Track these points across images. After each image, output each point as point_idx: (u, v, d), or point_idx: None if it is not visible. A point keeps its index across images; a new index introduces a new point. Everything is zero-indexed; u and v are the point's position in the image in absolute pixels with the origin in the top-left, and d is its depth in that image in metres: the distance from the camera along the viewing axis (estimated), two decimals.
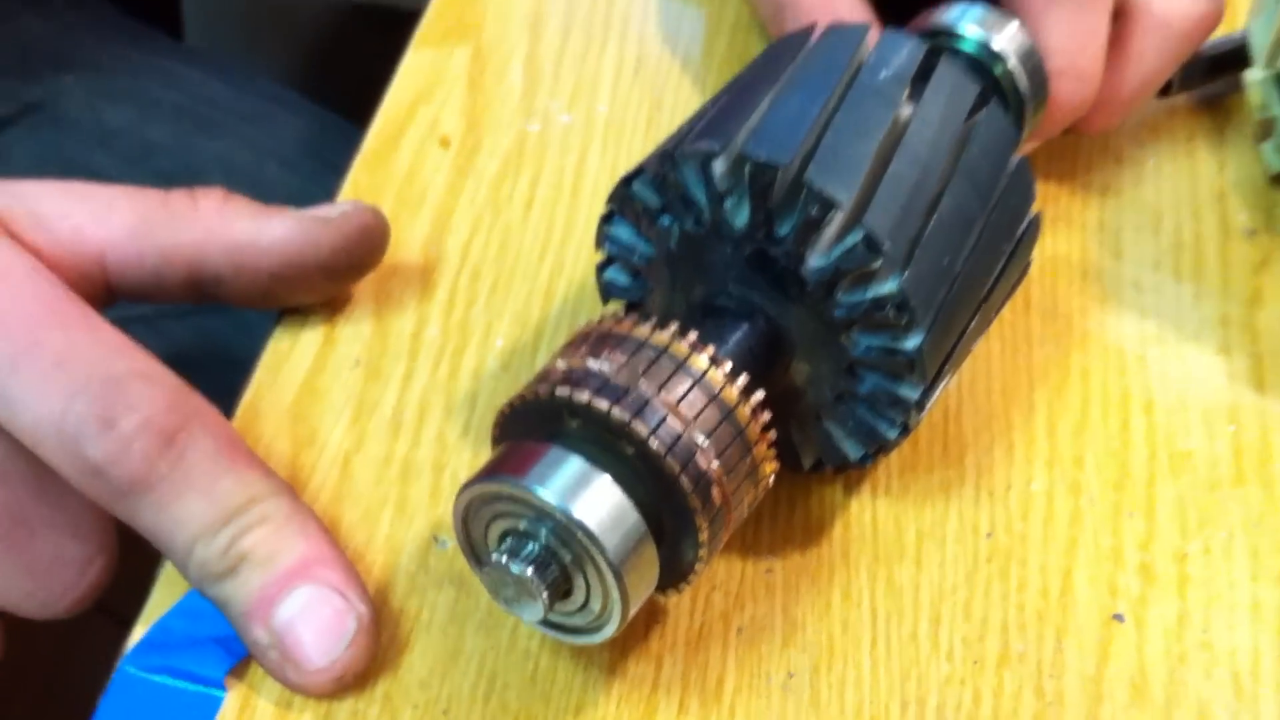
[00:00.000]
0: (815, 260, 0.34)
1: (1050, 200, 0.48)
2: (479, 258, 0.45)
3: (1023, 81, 0.43)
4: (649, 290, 0.38)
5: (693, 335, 0.33)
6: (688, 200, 0.35)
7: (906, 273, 0.34)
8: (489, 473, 0.32)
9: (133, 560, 0.37)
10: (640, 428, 0.31)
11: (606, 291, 0.39)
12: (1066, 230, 0.47)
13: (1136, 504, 0.40)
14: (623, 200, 0.37)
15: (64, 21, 0.80)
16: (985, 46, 0.42)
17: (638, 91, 0.51)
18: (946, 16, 0.43)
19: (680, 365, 0.32)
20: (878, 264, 0.34)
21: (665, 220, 0.36)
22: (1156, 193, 0.49)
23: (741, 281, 0.35)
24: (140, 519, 0.35)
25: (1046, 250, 0.46)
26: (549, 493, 0.31)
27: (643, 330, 0.33)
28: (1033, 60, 0.43)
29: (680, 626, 0.37)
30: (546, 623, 0.33)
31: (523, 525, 0.31)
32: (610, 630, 0.32)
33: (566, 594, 0.32)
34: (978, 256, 0.36)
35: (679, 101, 0.51)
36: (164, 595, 0.36)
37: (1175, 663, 0.37)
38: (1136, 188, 0.49)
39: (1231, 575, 0.39)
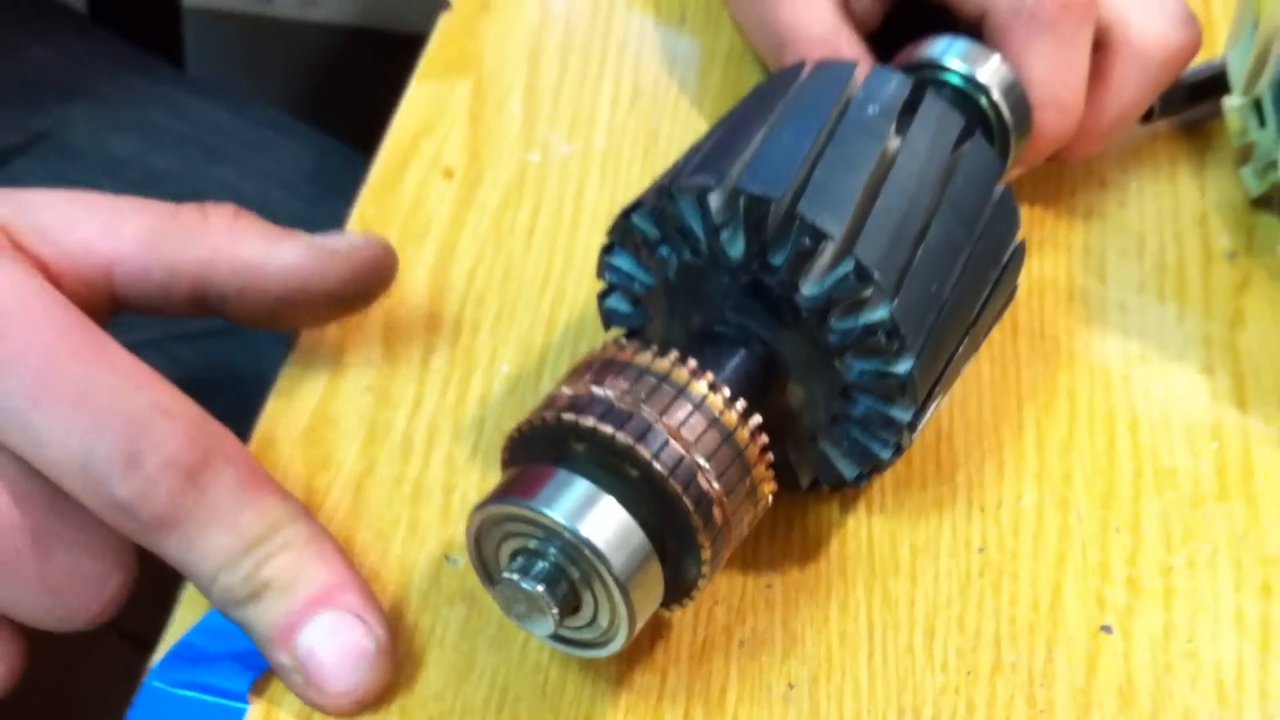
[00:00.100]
0: (809, 289, 0.36)
1: (1036, 224, 0.49)
2: (483, 286, 0.47)
3: (1006, 113, 0.44)
4: (649, 318, 0.40)
5: (692, 362, 0.35)
6: (685, 232, 0.37)
7: (896, 300, 0.35)
8: (500, 495, 0.33)
9: (141, 577, 0.38)
10: (644, 451, 0.33)
11: (608, 319, 0.41)
12: (1053, 253, 0.49)
13: (1123, 519, 0.41)
14: (623, 232, 0.38)
15: (70, 52, 0.81)
16: (970, 79, 0.44)
17: (634, 121, 0.53)
18: (932, 50, 0.45)
19: (681, 391, 0.34)
20: (868, 292, 0.35)
21: (664, 251, 0.38)
22: (1140, 216, 0.50)
23: (738, 309, 0.37)
24: (165, 551, 0.35)
25: (1033, 273, 0.48)
26: (558, 513, 0.32)
27: (644, 358, 0.35)
28: (1016, 92, 0.44)
29: (684, 640, 0.38)
30: (556, 637, 0.34)
31: (533, 544, 0.33)
32: (618, 644, 0.34)
33: (575, 609, 0.33)
34: (965, 283, 0.38)
35: (675, 131, 0.52)
36: (187, 612, 0.38)
37: (1161, 672, 0.38)
38: (1120, 211, 0.50)
39: (1215, 588, 0.40)
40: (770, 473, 0.35)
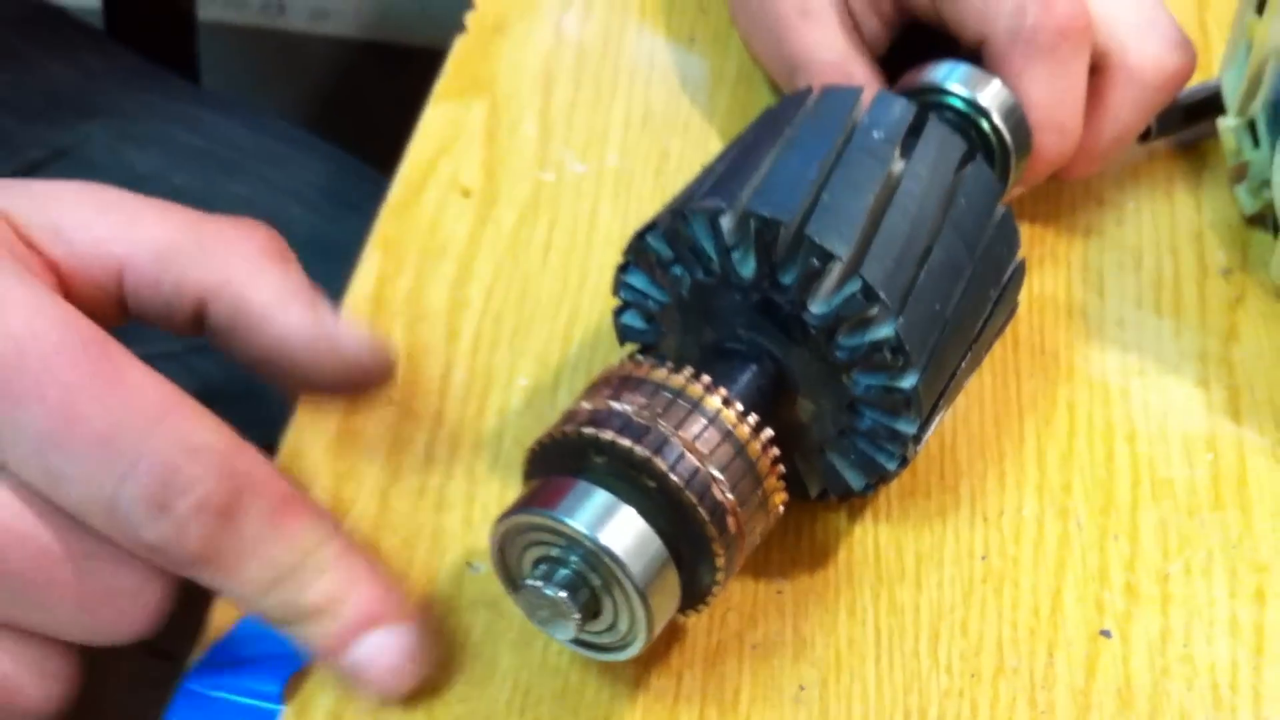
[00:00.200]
0: (817, 307, 0.37)
1: (1036, 241, 0.51)
2: (501, 303, 0.48)
3: (1007, 135, 0.46)
4: (663, 334, 0.41)
5: (706, 378, 0.36)
6: (698, 252, 0.38)
7: (901, 318, 0.37)
8: (524, 505, 0.34)
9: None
10: (661, 463, 0.34)
11: (623, 335, 0.42)
12: (1053, 270, 0.50)
13: (1121, 527, 0.43)
14: (638, 251, 0.40)
15: (89, 68, 0.82)
16: (971, 103, 0.45)
17: (646, 141, 0.54)
18: (935, 75, 0.46)
19: (695, 406, 0.35)
20: (874, 310, 0.37)
21: (678, 270, 0.39)
22: (1137, 233, 0.51)
23: (749, 326, 0.38)
24: (201, 581, 0.35)
25: (1033, 289, 0.49)
26: (579, 523, 0.34)
27: (660, 374, 0.36)
28: (1016, 115, 0.46)
29: (699, 644, 0.39)
30: (577, 641, 0.36)
31: (555, 552, 0.34)
32: (636, 648, 0.35)
33: (596, 614, 0.35)
34: (967, 301, 0.39)
35: (685, 150, 0.54)
36: (221, 616, 0.39)
37: (1159, 675, 0.40)
38: (1118, 229, 0.51)
39: (1211, 594, 0.41)
40: (781, 484, 0.37)
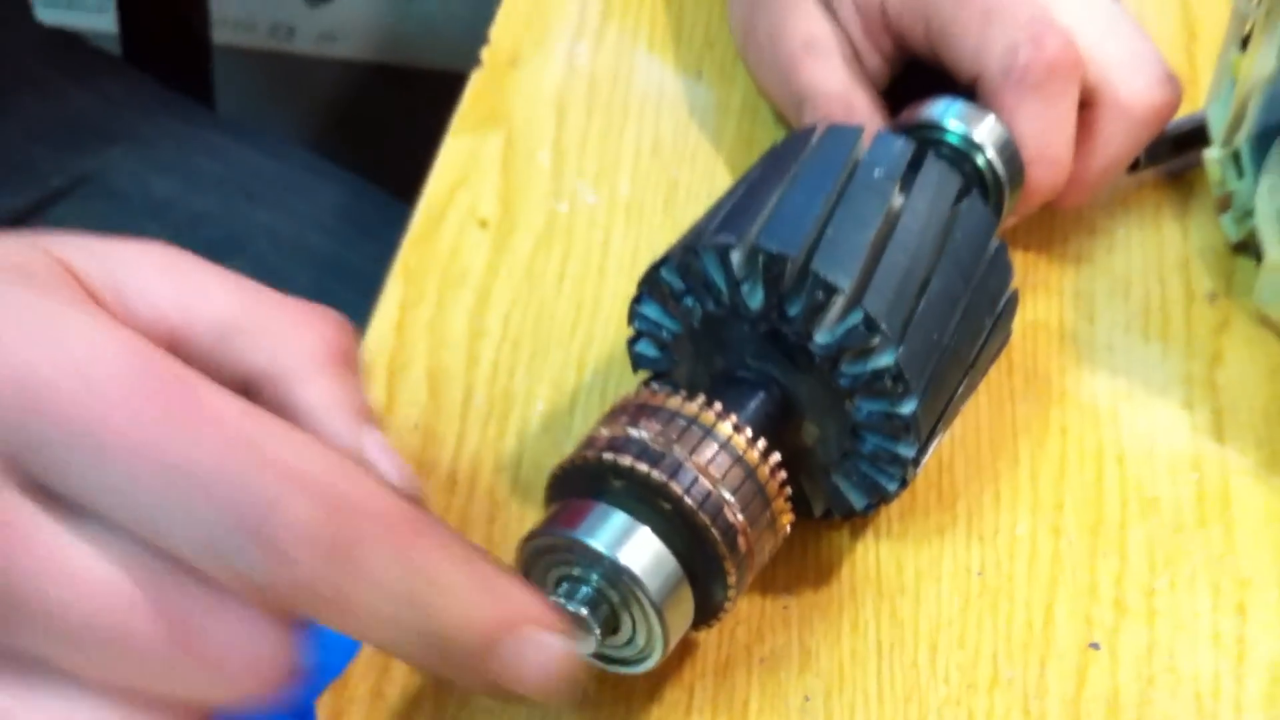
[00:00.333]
0: (821, 337, 0.39)
1: (1030, 269, 0.53)
2: (518, 329, 0.50)
3: (1001, 168, 0.48)
4: (675, 362, 0.43)
5: (718, 405, 0.38)
6: (709, 285, 0.40)
7: (901, 347, 0.39)
8: (547, 527, 0.37)
9: None
10: (676, 487, 0.36)
11: (637, 362, 0.44)
12: (1045, 297, 0.52)
13: (1110, 545, 0.45)
14: (651, 284, 0.42)
15: (109, 95, 0.83)
16: (967, 139, 0.48)
17: (655, 171, 0.56)
18: (932, 112, 0.48)
19: (708, 432, 0.38)
20: (876, 340, 0.39)
21: (689, 302, 0.41)
22: (1126, 261, 0.53)
23: (758, 355, 0.41)
24: (326, 624, 0.31)
25: (1027, 315, 0.51)
26: (599, 543, 0.36)
27: (674, 402, 0.38)
28: (1009, 149, 0.48)
29: (709, 657, 0.41)
30: (596, 655, 0.38)
31: (576, 571, 0.36)
32: (653, 661, 0.37)
33: (615, 630, 0.37)
34: (963, 330, 0.41)
35: (694, 180, 0.56)
36: None
37: (1145, 685, 0.41)
38: (1108, 256, 0.53)
39: (1195, 608, 0.43)
40: (788, 505, 0.39)
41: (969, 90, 0.50)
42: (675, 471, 0.36)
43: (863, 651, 0.42)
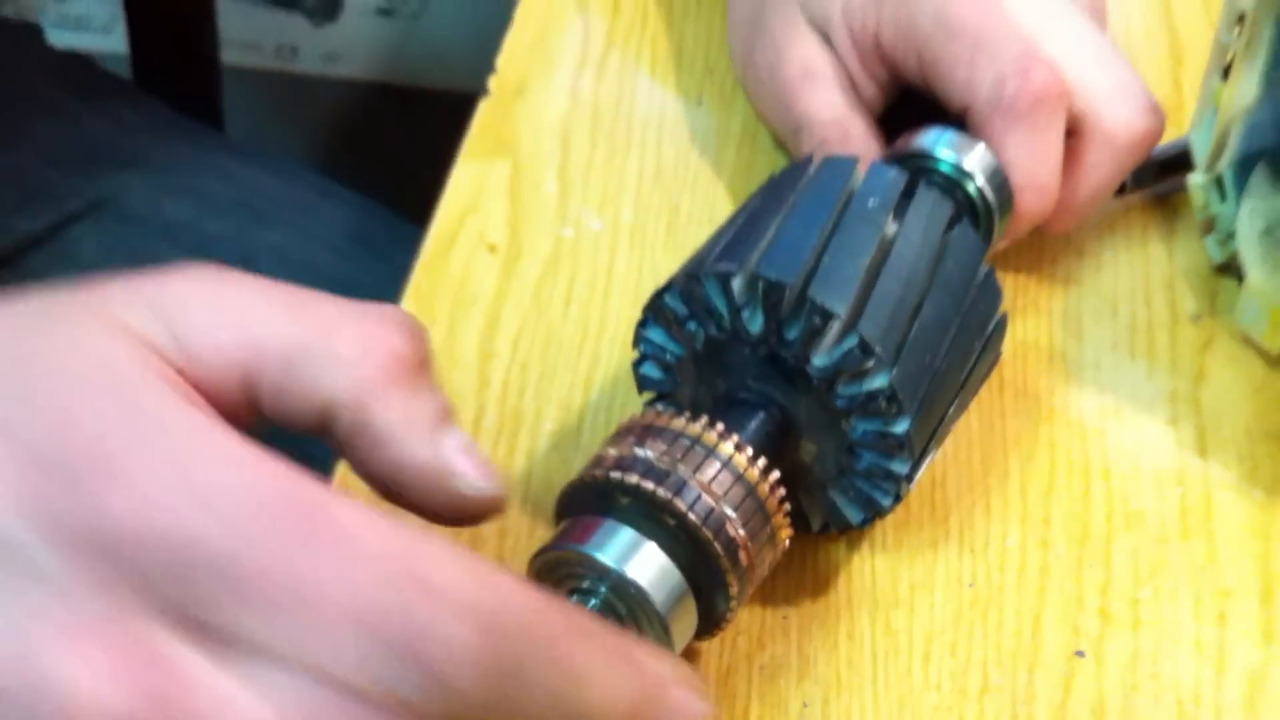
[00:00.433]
0: (819, 360, 0.41)
1: (1020, 290, 0.54)
2: (526, 352, 0.52)
3: (990, 195, 0.49)
4: (678, 383, 0.45)
5: (720, 426, 0.40)
6: (711, 311, 0.42)
7: (895, 370, 0.41)
8: (558, 542, 0.38)
9: None
10: (680, 504, 0.38)
11: (641, 384, 0.46)
12: (1035, 317, 0.53)
13: (1096, 557, 0.46)
14: (656, 309, 0.44)
15: (122, 120, 0.84)
16: (958, 167, 0.49)
17: (658, 197, 0.58)
18: (924, 141, 0.50)
19: (711, 452, 0.39)
20: (871, 363, 0.41)
21: (692, 326, 0.43)
22: (1113, 282, 0.55)
23: (758, 378, 0.42)
24: None
25: (1017, 335, 0.52)
26: (607, 557, 0.38)
27: (679, 423, 0.40)
28: (999, 177, 0.50)
29: (711, 665, 0.43)
30: None
31: (586, 584, 0.38)
32: None
33: None
34: (954, 353, 0.43)
35: (695, 205, 0.57)
36: None
37: (1129, 691, 0.43)
38: (1096, 277, 0.55)
39: (1177, 617, 0.45)
40: (787, 520, 0.41)
41: (960, 119, 0.52)
42: (680, 489, 0.38)
43: (859, 659, 0.44)
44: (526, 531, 0.46)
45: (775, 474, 0.40)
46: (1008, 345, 0.50)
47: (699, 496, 0.38)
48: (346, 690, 0.29)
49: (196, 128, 0.90)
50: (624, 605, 0.38)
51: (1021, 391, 0.51)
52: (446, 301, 0.54)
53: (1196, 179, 0.55)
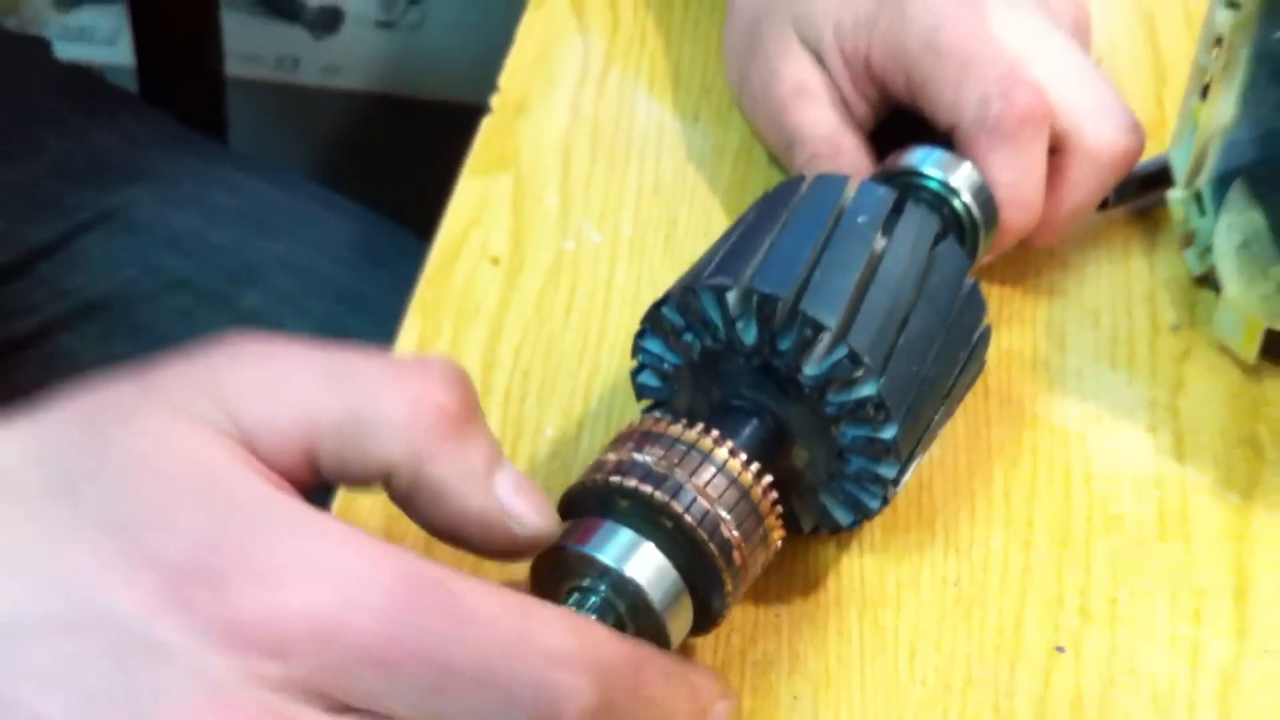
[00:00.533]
0: (810, 370, 0.43)
1: (1005, 302, 0.56)
2: (528, 360, 0.54)
3: (977, 211, 0.51)
4: (675, 391, 0.47)
5: (715, 432, 0.42)
6: (707, 323, 0.44)
7: (883, 378, 0.43)
8: (560, 543, 0.40)
9: None
10: (677, 506, 0.40)
11: (640, 392, 0.48)
12: (1019, 327, 0.55)
13: (1076, 557, 0.48)
14: (654, 320, 0.46)
15: (129, 134, 0.85)
16: (945, 184, 0.51)
17: (656, 211, 0.59)
18: (912, 159, 0.52)
19: (706, 457, 0.41)
20: (860, 373, 0.43)
21: (689, 337, 0.45)
22: (1096, 293, 0.56)
23: (752, 386, 0.44)
24: None
25: (1002, 345, 0.54)
26: (607, 557, 0.39)
27: (675, 429, 0.42)
28: (984, 193, 0.51)
29: (706, 660, 0.45)
30: None
31: (586, 582, 0.40)
32: None
33: None
34: (940, 362, 0.45)
35: (692, 219, 0.59)
36: None
37: (1106, 686, 0.45)
38: (1079, 289, 0.56)
39: (1154, 615, 0.46)
40: (779, 522, 0.42)
41: (947, 138, 0.53)
42: (676, 492, 0.40)
43: (847, 655, 0.45)
44: None
45: (768, 478, 0.42)
46: (993, 354, 0.51)
47: (695, 499, 0.40)
48: None
49: (202, 140, 0.91)
50: (623, 603, 0.40)
51: (1006, 399, 0.53)
52: (451, 312, 0.55)
53: (1176, 194, 0.56)
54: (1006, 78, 0.51)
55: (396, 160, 1.30)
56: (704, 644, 0.45)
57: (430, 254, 0.57)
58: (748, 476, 0.41)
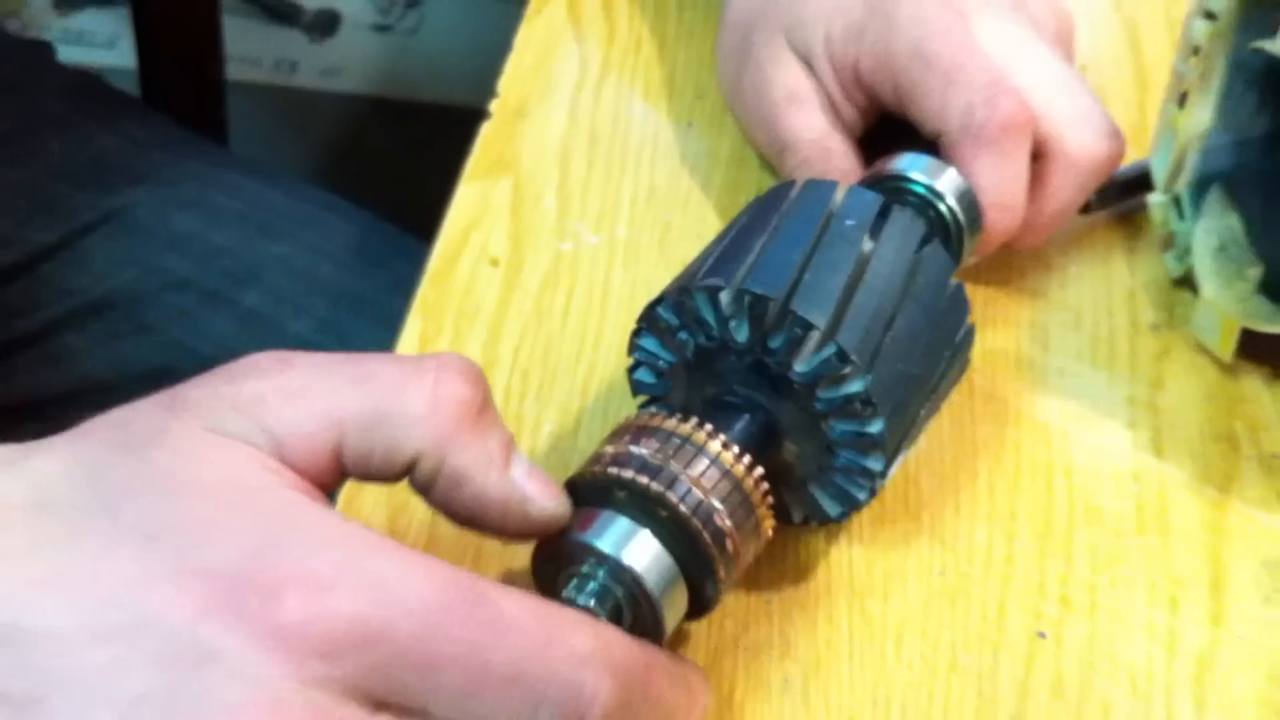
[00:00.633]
0: (800, 367, 0.45)
1: (990, 302, 0.57)
2: (527, 360, 0.55)
3: (961, 215, 0.53)
4: (671, 388, 0.48)
5: (709, 426, 0.43)
6: (701, 322, 0.46)
7: (870, 376, 0.44)
8: (560, 532, 0.42)
9: None
10: (672, 497, 0.41)
11: (636, 388, 0.50)
12: (1004, 327, 0.57)
13: (1058, 548, 0.49)
14: (650, 320, 0.47)
15: (132, 136, 0.87)
16: (930, 189, 0.53)
17: (651, 215, 0.61)
18: (899, 165, 0.54)
19: (700, 449, 0.43)
20: (848, 370, 0.44)
21: (683, 336, 0.47)
22: (1078, 294, 0.58)
23: (744, 383, 0.46)
24: None
25: (987, 344, 0.56)
26: (605, 545, 0.41)
27: (671, 423, 0.44)
28: (969, 198, 0.53)
29: (699, 645, 0.46)
30: None
31: (585, 569, 0.41)
32: None
33: (618, 621, 0.42)
34: (925, 360, 0.47)
35: (685, 223, 0.61)
36: None
37: (1086, 670, 0.46)
38: (1061, 291, 0.58)
39: (1132, 603, 0.48)
40: (770, 512, 0.44)
41: (933, 144, 0.55)
42: (672, 483, 0.42)
43: (836, 641, 0.47)
44: None
45: (760, 470, 0.43)
46: (978, 353, 0.53)
47: (689, 490, 0.42)
48: None
49: (203, 143, 0.93)
50: (621, 589, 0.41)
51: (990, 397, 0.54)
52: (451, 312, 0.57)
53: (1156, 198, 0.58)
54: (991, 86, 0.53)
55: (393, 161, 1.32)
56: (698, 629, 0.47)
57: (431, 255, 0.59)
58: (740, 468, 0.43)
